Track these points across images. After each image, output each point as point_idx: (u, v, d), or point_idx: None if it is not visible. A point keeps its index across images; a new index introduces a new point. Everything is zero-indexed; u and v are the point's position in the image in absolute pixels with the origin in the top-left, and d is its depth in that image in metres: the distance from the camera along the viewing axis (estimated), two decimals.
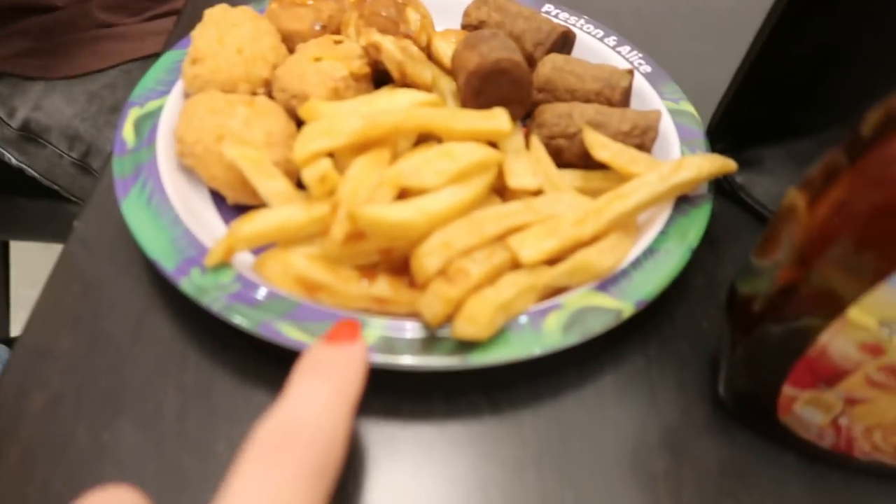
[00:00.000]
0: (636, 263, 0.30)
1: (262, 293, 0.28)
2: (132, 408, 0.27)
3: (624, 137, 0.34)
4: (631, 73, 0.37)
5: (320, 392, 0.19)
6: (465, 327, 0.26)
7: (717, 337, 0.28)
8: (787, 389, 0.25)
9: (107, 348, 0.28)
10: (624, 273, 0.30)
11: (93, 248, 0.32)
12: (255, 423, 0.23)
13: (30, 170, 0.80)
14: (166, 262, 0.28)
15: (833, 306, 0.21)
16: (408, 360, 0.26)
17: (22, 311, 1.10)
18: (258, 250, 0.30)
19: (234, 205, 0.33)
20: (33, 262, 1.24)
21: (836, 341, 0.22)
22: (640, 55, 0.42)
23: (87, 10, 0.73)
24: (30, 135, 0.74)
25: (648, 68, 0.41)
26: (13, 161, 0.78)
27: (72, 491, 0.24)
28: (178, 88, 0.36)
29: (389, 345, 0.27)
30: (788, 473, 0.27)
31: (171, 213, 0.30)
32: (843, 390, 0.24)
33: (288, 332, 0.26)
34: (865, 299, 0.21)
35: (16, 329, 1.04)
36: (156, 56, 0.76)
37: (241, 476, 0.17)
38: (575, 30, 0.43)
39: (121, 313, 0.30)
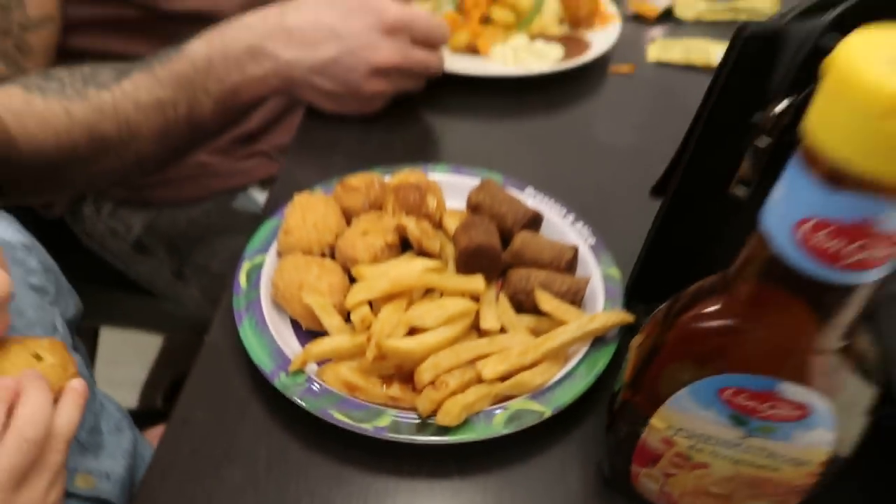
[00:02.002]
0: (559, 382, 0.47)
1: (322, 389, 0.45)
2: (240, 460, 0.44)
3: (562, 296, 0.51)
4: (574, 249, 0.55)
5: None
6: (443, 418, 0.43)
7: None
8: (633, 467, 0.40)
9: (224, 420, 0.46)
10: (550, 388, 0.46)
11: (218, 354, 0.50)
12: (324, 478, 0.40)
13: (134, 273, 1.00)
14: (265, 366, 0.46)
15: (645, 416, 0.38)
16: (408, 437, 0.43)
17: (105, 386, 1.29)
18: (321, 362, 0.48)
19: (307, 330, 0.51)
20: (113, 344, 1.43)
21: (649, 437, 0.38)
22: (590, 230, 0.59)
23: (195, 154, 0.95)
24: (141, 248, 0.95)
25: (593, 241, 0.58)
26: (120, 266, 0.99)
27: (208, 500, 0.41)
28: (274, 248, 0.55)
29: (397, 427, 0.44)
30: None
31: (268, 335, 0.48)
32: (660, 468, 0.39)
33: (336, 415, 0.44)
34: (658, 413, 0.37)
35: None
36: (239, 188, 0.97)
37: None
38: (545, 209, 0.61)
39: (234, 398, 0.47)
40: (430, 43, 0.70)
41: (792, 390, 0.33)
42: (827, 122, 0.26)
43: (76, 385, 0.41)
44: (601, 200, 0.65)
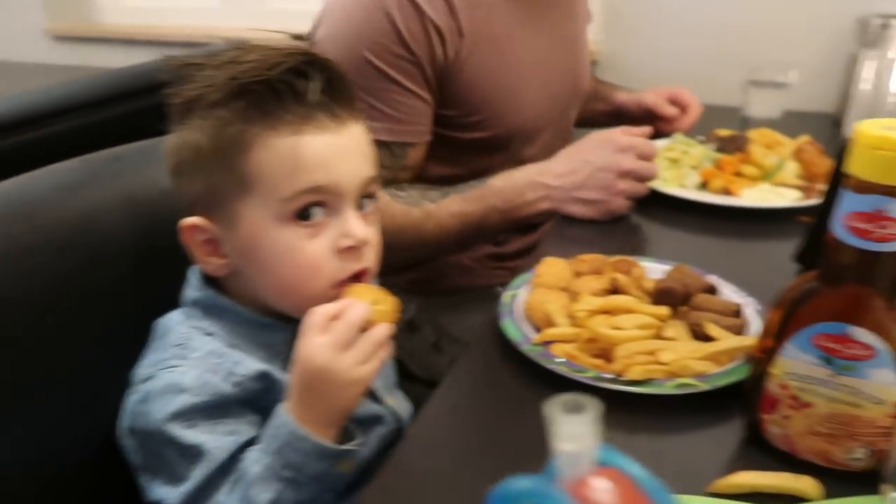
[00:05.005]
0: (716, 373, 0.66)
1: (551, 354, 0.70)
2: (490, 401, 0.69)
3: (726, 329, 0.72)
4: (738, 304, 0.75)
5: None
6: (631, 373, 0.65)
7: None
8: (761, 416, 0.59)
9: (484, 379, 0.72)
10: (708, 375, 0.66)
11: (482, 343, 0.77)
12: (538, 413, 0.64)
13: (399, 350, 1.32)
14: (517, 338, 0.72)
15: (767, 369, 0.57)
16: (607, 384, 0.65)
17: None
18: (546, 344, 0.72)
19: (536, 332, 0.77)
20: None
21: (770, 384, 0.57)
22: (756, 300, 0.79)
23: (460, 260, 1.29)
24: (412, 327, 1.27)
25: (759, 307, 0.78)
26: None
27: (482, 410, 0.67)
28: (525, 287, 0.83)
29: (598, 378, 0.66)
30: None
31: (519, 324, 0.75)
32: (780, 412, 0.57)
33: (560, 367, 0.68)
34: (774, 362, 0.56)
35: None
36: (489, 287, 1.28)
37: None
38: (722, 287, 0.82)
39: (491, 366, 0.74)
40: (648, 158, 1.04)
41: (858, 332, 0.52)
42: (854, 159, 0.49)
43: (389, 327, 0.64)
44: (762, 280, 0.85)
